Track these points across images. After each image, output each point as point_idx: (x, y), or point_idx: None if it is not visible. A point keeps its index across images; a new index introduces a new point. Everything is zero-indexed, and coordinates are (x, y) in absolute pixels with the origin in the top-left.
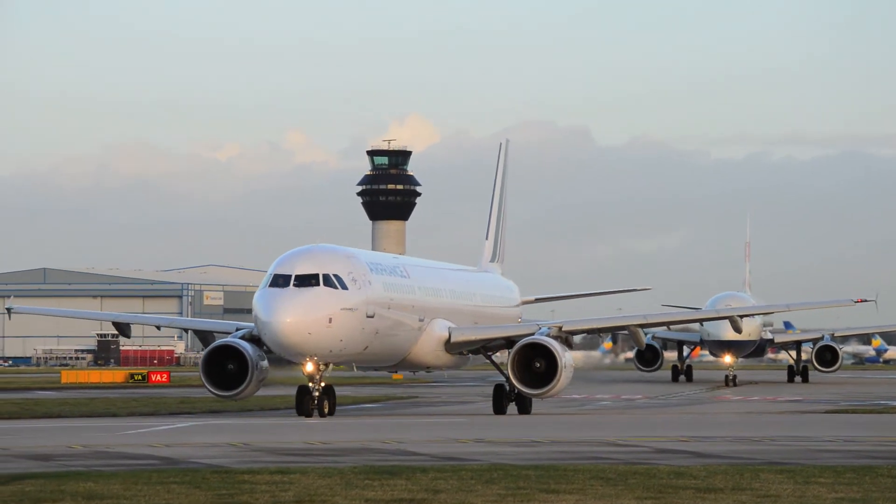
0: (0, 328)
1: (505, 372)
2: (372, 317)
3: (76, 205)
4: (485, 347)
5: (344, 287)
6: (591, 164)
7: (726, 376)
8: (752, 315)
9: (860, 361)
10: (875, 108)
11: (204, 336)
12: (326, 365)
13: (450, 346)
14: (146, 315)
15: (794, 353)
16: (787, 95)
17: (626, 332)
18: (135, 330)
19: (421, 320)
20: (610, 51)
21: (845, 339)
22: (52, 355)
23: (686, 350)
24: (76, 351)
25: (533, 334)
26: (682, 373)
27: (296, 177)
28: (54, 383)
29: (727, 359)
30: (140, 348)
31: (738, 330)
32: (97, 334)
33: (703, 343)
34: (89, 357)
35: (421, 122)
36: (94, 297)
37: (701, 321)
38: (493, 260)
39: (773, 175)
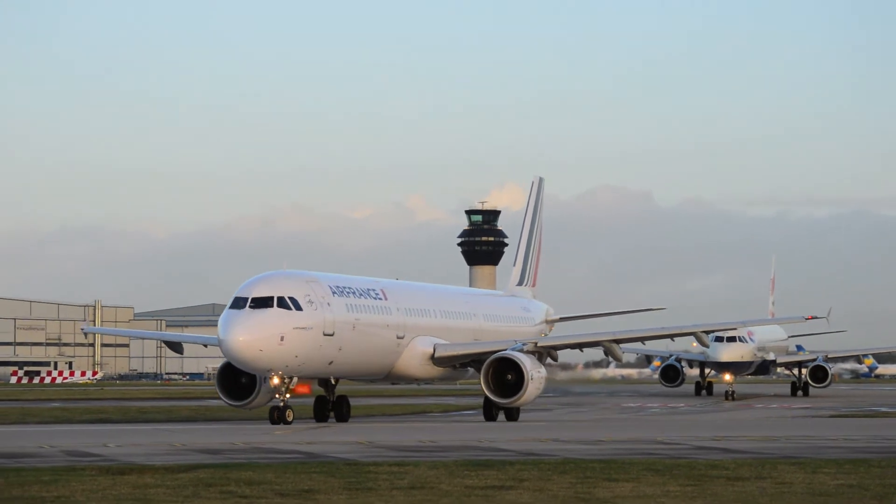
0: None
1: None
2: (331, 335)
3: (243, 254)
4: (476, 361)
5: (298, 308)
6: (652, 220)
7: (726, 391)
8: (713, 331)
9: (856, 376)
10: (881, 172)
11: None
12: (290, 378)
13: (436, 360)
14: (192, 335)
15: (796, 371)
16: (807, 162)
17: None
18: None
19: (400, 337)
20: (668, 127)
21: (844, 359)
22: None
23: (708, 369)
24: None
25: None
26: (704, 388)
27: (415, 232)
28: None
29: (727, 377)
30: None
31: (704, 345)
32: None
33: (707, 364)
34: None
35: (516, 187)
36: None
37: (671, 336)
38: (521, 283)
39: (794, 229)
